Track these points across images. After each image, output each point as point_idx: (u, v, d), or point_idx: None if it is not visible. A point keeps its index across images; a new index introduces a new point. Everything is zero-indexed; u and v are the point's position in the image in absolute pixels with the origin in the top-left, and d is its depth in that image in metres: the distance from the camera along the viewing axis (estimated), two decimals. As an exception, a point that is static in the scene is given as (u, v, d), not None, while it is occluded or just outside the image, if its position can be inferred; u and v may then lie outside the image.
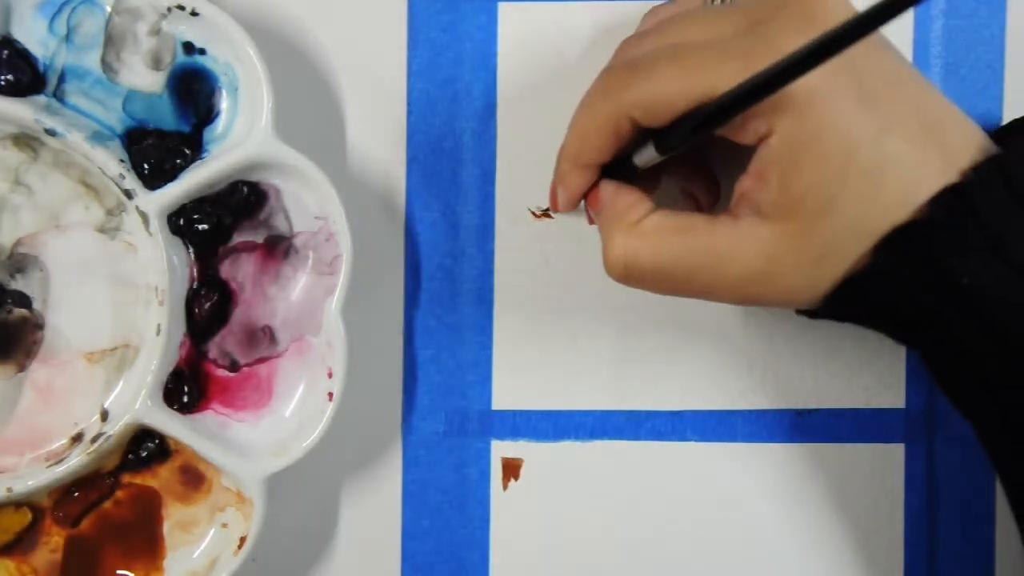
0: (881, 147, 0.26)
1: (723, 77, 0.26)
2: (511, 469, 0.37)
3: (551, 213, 0.36)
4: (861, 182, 0.26)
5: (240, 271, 0.35)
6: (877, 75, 0.27)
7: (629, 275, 0.29)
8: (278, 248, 0.35)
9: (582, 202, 0.32)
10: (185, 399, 0.34)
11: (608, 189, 0.31)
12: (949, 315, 0.27)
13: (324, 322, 0.34)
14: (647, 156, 0.29)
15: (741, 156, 0.29)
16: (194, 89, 0.34)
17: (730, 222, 0.28)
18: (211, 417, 0.34)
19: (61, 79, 0.34)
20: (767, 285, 0.28)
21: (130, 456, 0.35)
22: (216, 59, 0.33)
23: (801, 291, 0.28)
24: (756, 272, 0.28)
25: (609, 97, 0.29)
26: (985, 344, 0.27)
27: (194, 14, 0.33)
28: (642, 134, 0.29)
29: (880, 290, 0.28)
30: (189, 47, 0.33)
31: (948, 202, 0.26)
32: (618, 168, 0.31)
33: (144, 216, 0.33)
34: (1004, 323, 0.27)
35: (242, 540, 0.34)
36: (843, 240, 0.27)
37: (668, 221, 0.29)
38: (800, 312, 0.32)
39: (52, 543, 0.35)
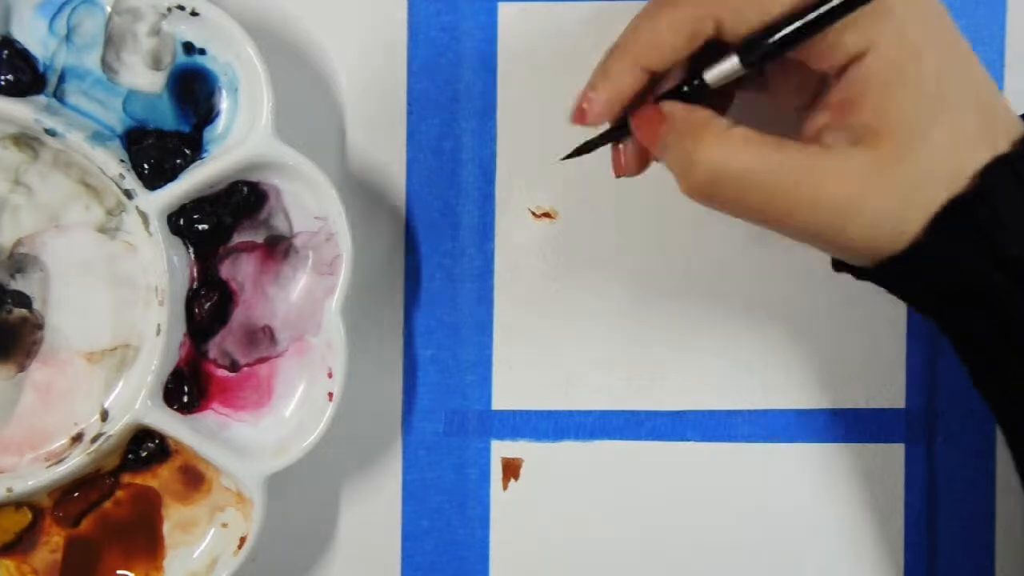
0: (969, 84, 0.26)
1: None
2: (511, 469, 0.37)
3: (535, 211, 0.35)
4: (952, 111, 0.26)
5: (240, 271, 0.35)
6: (952, 25, 0.27)
7: (716, 186, 0.27)
8: (278, 248, 0.35)
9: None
10: (185, 399, 0.34)
11: (677, 105, 0.28)
12: (1001, 284, 0.26)
13: (324, 322, 0.34)
14: (725, 71, 0.27)
15: (801, 90, 0.28)
16: (194, 89, 0.34)
17: (819, 149, 0.26)
18: (211, 417, 0.34)
19: (61, 79, 0.34)
20: (855, 214, 0.26)
21: (130, 456, 0.35)
22: (216, 59, 0.33)
23: (886, 225, 0.26)
24: (847, 197, 0.26)
25: None
26: None
27: (194, 14, 0.33)
28: (712, 49, 0.27)
29: (980, 223, 0.26)
30: (189, 47, 0.33)
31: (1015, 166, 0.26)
32: (673, 94, 0.28)
33: (144, 216, 0.33)
34: None
35: (242, 540, 0.34)
36: (935, 172, 0.26)
37: (758, 134, 0.27)
38: (843, 269, 0.30)
39: (52, 543, 0.35)
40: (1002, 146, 0.26)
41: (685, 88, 0.28)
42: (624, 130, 0.29)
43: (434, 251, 0.37)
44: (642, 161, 0.30)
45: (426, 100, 0.36)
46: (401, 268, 0.37)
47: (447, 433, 0.37)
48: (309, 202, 0.34)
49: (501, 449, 0.37)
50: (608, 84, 0.28)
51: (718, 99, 0.29)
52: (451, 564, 0.37)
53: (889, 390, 0.36)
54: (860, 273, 0.29)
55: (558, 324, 0.37)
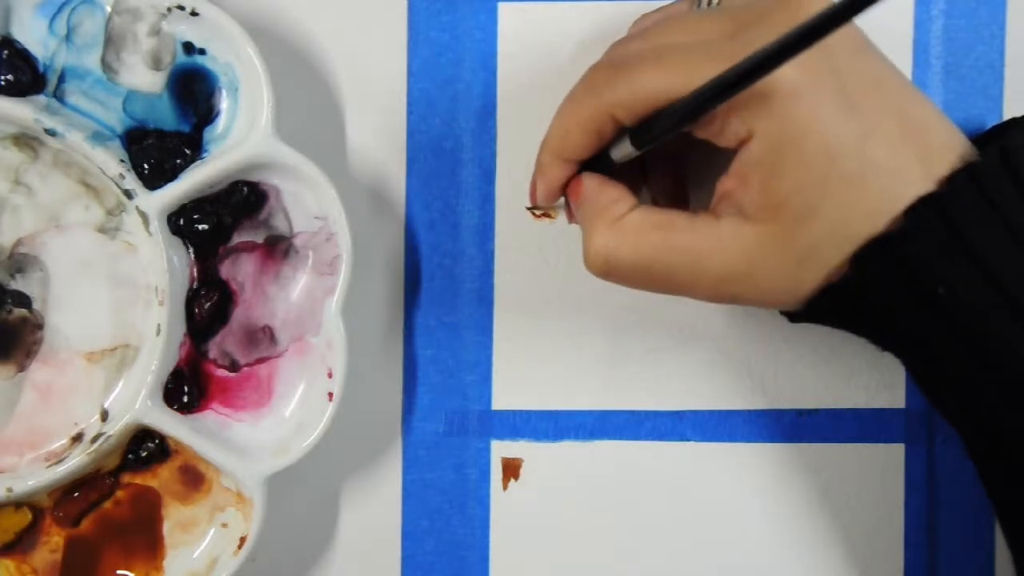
0: (862, 154, 0.26)
1: (705, 78, 0.25)
2: (511, 469, 0.37)
3: (534, 211, 0.36)
4: (842, 188, 0.26)
5: (240, 271, 0.35)
6: (859, 79, 0.27)
7: (609, 270, 0.29)
8: (278, 248, 0.35)
9: (562, 200, 0.33)
10: (185, 399, 0.34)
11: (591, 183, 0.30)
12: (926, 324, 0.27)
13: (324, 322, 0.34)
14: (624, 151, 0.29)
15: (720, 158, 0.29)
16: (194, 89, 0.34)
17: (712, 221, 0.28)
18: (211, 417, 0.34)
19: (61, 79, 0.34)
20: (747, 286, 0.28)
21: (130, 456, 0.35)
22: (216, 59, 0.33)
23: (781, 293, 0.28)
24: (737, 272, 0.28)
25: (593, 94, 0.29)
26: (961, 353, 0.27)
27: (194, 14, 0.33)
28: (623, 131, 0.29)
29: (859, 298, 0.28)
30: (189, 47, 0.33)
31: (924, 212, 0.26)
32: (598, 163, 0.31)
33: (144, 216, 0.33)
34: (979, 332, 0.27)
35: (242, 540, 0.34)
36: (824, 245, 0.27)
37: (650, 217, 0.29)
38: (782, 313, 0.32)
39: (52, 543, 0.35)
40: (928, 186, 0.27)
41: (602, 159, 0.31)
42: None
43: (434, 251, 0.37)
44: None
45: (426, 100, 0.36)
46: (401, 268, 0.37)
47: (447, 433, 0.37)
48: (309, 202, 0.34)
49: (501, 449, 0.37)
50: (543, 178, 0.31)
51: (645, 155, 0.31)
52: (451, 564, 0.37)
53: (889, 390, 0.36)
54: (791, 316, 0.31)
55: (558, 324, 0.37)
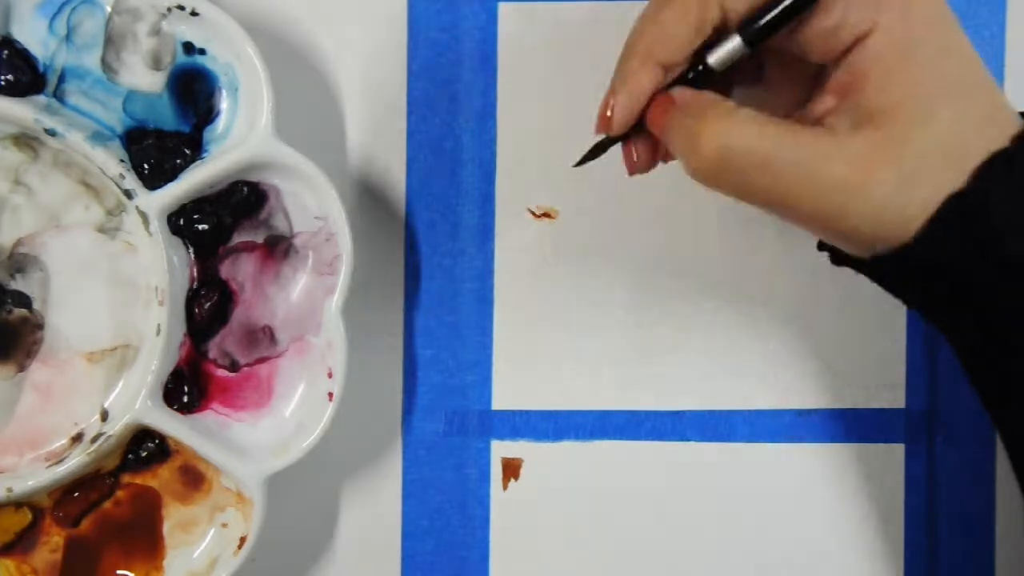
0: (976, 66, 0.26)
1: None
2: (511, 469, 0.37)
3: (534, 211, 0.35)
4: (958, 94, 0.26)
5: (240, 271, 0.35)
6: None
7: (721, 164, 0.26)
8: (278, 248, 0.35)
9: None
10: (185, 399, 0.34)
11: (686, 93, 0.27)
12: (996, 278, 0.26)
13: (324, 322, 0.34)
14: (727, 52, 0.27)
15: (799, 85, 0.28)
16: (194, 89, 0.34)
17: (823, 130, 0.26)
18: (211, 417, 0.34)
19: (61, 79, 0.34)
20: (859, 197, 0.26)
21: (130, 456, 0.35)
22: (216, 59, 0.33)
23: (888, 212, 0.26)
24: (850, 180, 0.26)
25: None
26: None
27: (194, 14, 0.33)
28: (722, 31, 0.27)
29: (975, 219, 0.26)
30: (189, 47, 0.33)
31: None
32: (689, 82, 0.28)
33: (144, 216, 0.33)
34: None
35: (242, 540, 0.34)
36: (939, 155, 0.26)
37: (765, 116, 0.26)
38: (846, 263, 0.30)
39: (52, 543, 0.35)
40: (1000, 140, 0.26)
41: (690, 75, 0.28)
42: (634, 128, 0.29)
43: (434, 251, 0.37)
44: (653, 156, 0.30)
45: (426, 100, 0.36)
46: (401, 268, 0.37)
47: (447, 433, 0.37)
48: (309, 202, 0.34)
49: (501, 449, 0.37)
50: (626, 86, 0.28)
51: (720, 92, 0.29)
52: (451, 564, 0.37)
53: (889, 390, 0.36)
54: (858, 265, 0.29)
55: (558, 324, 0.37)
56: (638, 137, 0.29)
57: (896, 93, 0.26)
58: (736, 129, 0.26)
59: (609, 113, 0.28)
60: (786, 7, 0.25)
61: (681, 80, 0.28)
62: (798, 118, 0.28)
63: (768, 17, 0.26)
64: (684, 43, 0.27)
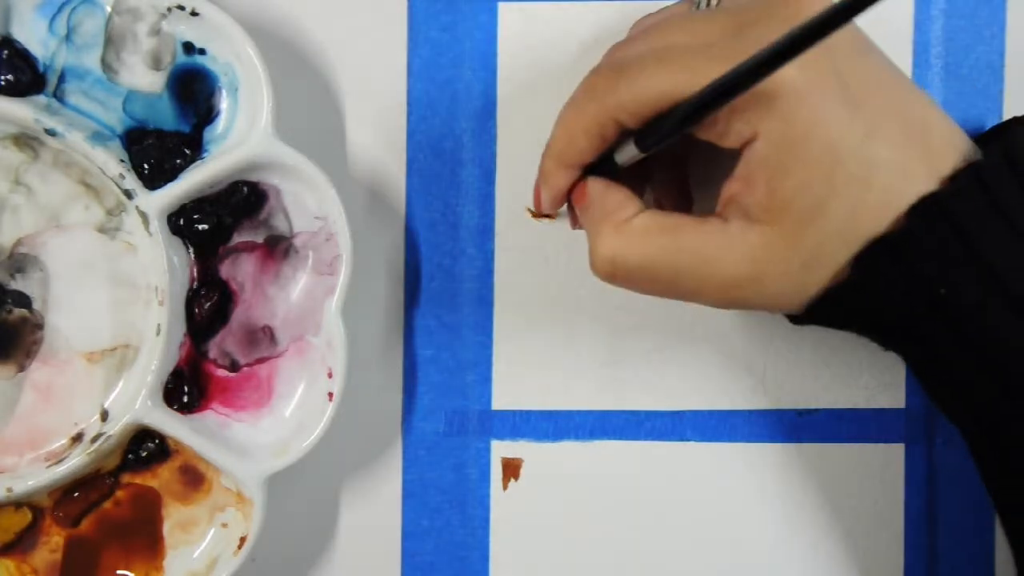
0: (866, 153, 0.26)
1: (708, 78, 0.25)
2: (511, 469, 0.37)
3: (533, 212, 0.36)
4: (847, 187, 0.26)
5: (240, 271, 0.35)
6: (862, 78, 0.27)
7: (615, 274, 0.29)
8: (278, 248, 0.35)
9: (564, 205, 0.32)
10: (185, 399, 0.34)
11: (596, 186, 0.30)
12: (928, 325, 0.27)
13: (324, 322, 0.34)
14: (629, 154, 0.29)
15: (724, 161, 0.29)
16: (194, 89, 0.34)
17: (718, 224, 0.28)
18: (211, 417, 0.34)
19: (61, 79, 0.34)
20: (754, 289, 0.28)
21: (130, 456, 0.35)
22: (216, 59, 0.33)
23: (788, 296, 0.28)
24: (744, 276, 0.28)
25: (595, 98, 0.29)
26: (963, 352, 0.27)
27: (194, 14, 0.33)
28: (626, 134, 0.29)
29: (862, 299, 0.28)
30: (189, 47, 0.33)
31: (927, 212, 0.26)
32: (602, 168, 0.31)
33: (144, 216, 0.33)
34: (982, 332, 0.27)
35: (242, 540, 0.34)
36: (831, 245, 0.27)
37: (657, 221, 0.29)
38: (786, 315, 0.32)
39: (52, 543, 0.35)
40: (931, 185, 0.27)
41: (600, 170, 0.31)
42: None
43: (434, 251, 0.37)
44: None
45: (426, 100, 0.36)
46: (401, 268, 0.37)
47: (447, 433, 0.37)
48: (309, 202, 0.34)
49: (501, 449, 0.37)
50: (547, 184, 0.31)
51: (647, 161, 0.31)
52: (451, 564, 0.37)
53: (889, 390, 0.36)
54: (795, 319, 0.31)
55: (558, 324, 0.37)
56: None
57: (784, 193, 0.27)
58: (625, 245, 0.29)
59: (537, 204, 0.33)
60: (672, 125, 0.27)
61: (600, 167, 0.31)
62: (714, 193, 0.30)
63: (657, 134, 0.27)
64: (588, 150, 0.30)
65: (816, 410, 0.36)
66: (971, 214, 0.26)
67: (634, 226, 0.29)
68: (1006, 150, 0.27)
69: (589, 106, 0.29)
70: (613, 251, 0.29)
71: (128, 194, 0.33)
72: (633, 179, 0.31)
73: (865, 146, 0.26)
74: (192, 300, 0.34)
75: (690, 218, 0.29)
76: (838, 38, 0.22)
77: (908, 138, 0.27)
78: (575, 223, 0.33)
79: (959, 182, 0.26)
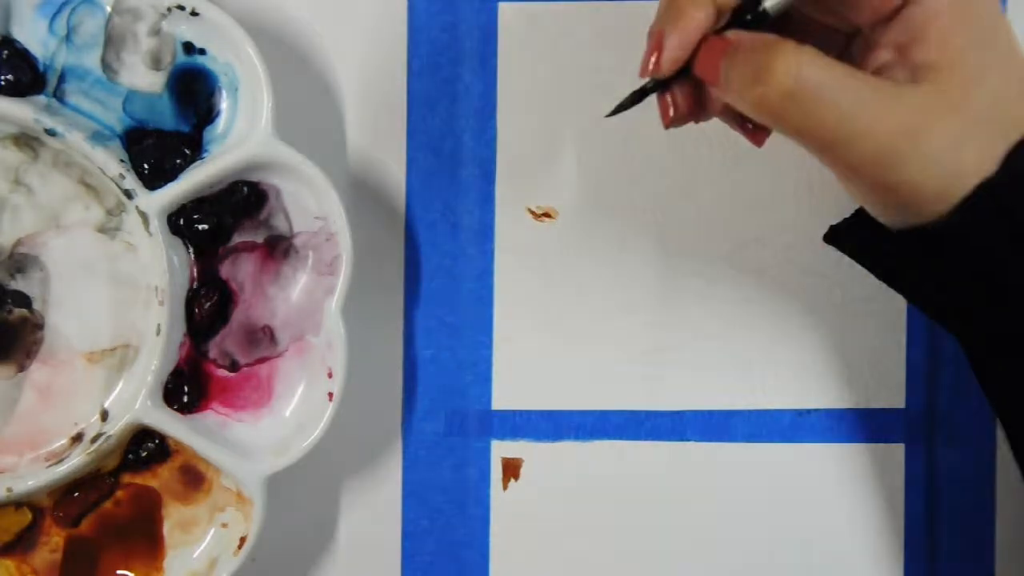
0: (1010, 40, 0.27)
1: None
2: (511, 469, 0.37)
3: (535, 211, 0.35)
4: (1003, 62, 0.26)
5: (240, 271, 0.35)
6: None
7: (795, 94, 0.25)
8: (278, 248, 0.35)
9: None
10: (185, 399, 0.34)
11: (743, 34, 0.26)
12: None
13: (324, 322, 0.34)
14: None
15: (852, 38, 0.28)
16: (194, 89, 0.34)
17: (888, 79, 0.26)
18: (211, 417, 0.34)
19: (61, 79, 0.34)
20: (913, 150, 0.26)
21: (130, 456, 0.35)
22: (216, 59, 0.33)
23: (943, 164, 0.26)
24: (913, 127, 0.25)
25: None
26: None
27: (194, 14, 0.33)
28: None
29: (1013, 199, 0.26)
30: (189, 47, 0.33)
31: None
32: (740, 24, 0.27)
33: (144, 216, 0.33)
34: None
35: (242, 540, 0.34)
36: (990, 116, 0.26)
37: (829, 59, 0.26)
38: (845, 246, 0.30)
39: (52, 543, 0.35)
40: None
41: (748, 18, 0.27)
42: (678, 73, 0.27)
43: (434, 251, 0.37)
44: (693, 105, 0.29)
45: (426, 100, 0.36)
46: (401, 268, 0.37)
47: (447, 433, 0.37)
48: (309, 202, 0.34)
49: (501, 449, 0.37)
50: (678, 25, 0.26)
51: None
52: (451, 564, 0.37)
53: (889, 390, 0.36)
54: (864, 249, 0.29)
55: (558, 324, 0.37)
56: (678, 84, 0.28)
57: (954, 51, 0.26)
58: (810, 62, 0.25)
59: (655, 56, 0.26)
60: None
61: (730, 27, 0.27)
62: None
63: None
64: None
65: (816, 410, 0.36)
66: None
67: (813, 51, 0.25)
68: None
69: None
70: (800, 62, 0.25)
71: (128, 194, 0.33)
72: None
73: (1009, 34, 0.27)
74: (192, 300, 0.34)
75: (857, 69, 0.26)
76: None
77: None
78: (671, 113, 0.28)
79: None
